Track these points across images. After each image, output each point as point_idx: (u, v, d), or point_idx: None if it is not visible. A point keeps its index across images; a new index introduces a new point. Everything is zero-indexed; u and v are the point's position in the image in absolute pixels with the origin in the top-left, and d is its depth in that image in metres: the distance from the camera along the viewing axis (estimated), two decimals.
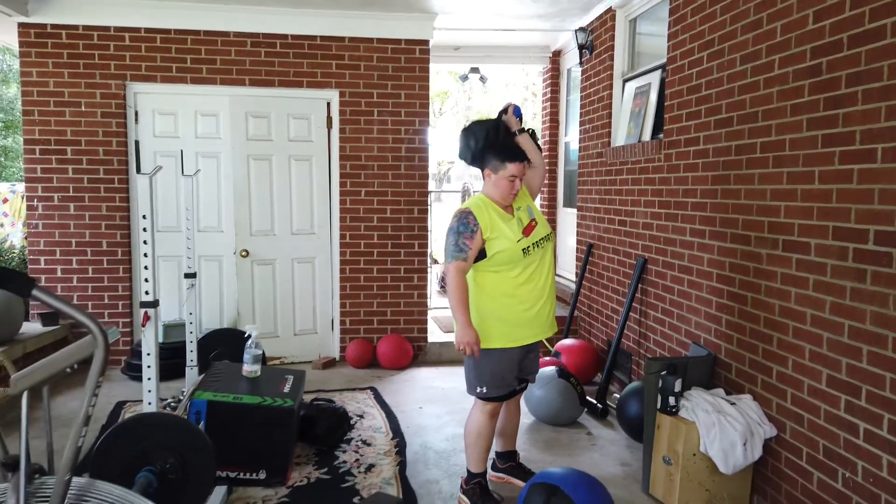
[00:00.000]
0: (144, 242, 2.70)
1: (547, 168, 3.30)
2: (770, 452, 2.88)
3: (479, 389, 2.90)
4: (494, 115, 3.18)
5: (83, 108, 4.87)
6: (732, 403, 2.94)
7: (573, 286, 5.43)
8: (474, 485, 2.96)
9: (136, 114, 4.99)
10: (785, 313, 2.79)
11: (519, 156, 2.88)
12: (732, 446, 2.80)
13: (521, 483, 3.11)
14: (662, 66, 4.09)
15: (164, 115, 5.03)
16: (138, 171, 2.87)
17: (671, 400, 2.98)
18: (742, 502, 2.96)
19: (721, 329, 3.28)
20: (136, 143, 2.99)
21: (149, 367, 2.71)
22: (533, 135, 3.16)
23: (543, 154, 6.63)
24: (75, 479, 1.47)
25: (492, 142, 2.98)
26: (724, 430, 2.81)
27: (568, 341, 4.81)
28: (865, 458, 2.35)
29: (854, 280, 2.40)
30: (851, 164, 2.43)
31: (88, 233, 4.97)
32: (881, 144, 2.29)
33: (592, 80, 5.20)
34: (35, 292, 1.31)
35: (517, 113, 3.12)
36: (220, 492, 2.88)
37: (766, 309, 2.92)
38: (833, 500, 2.51)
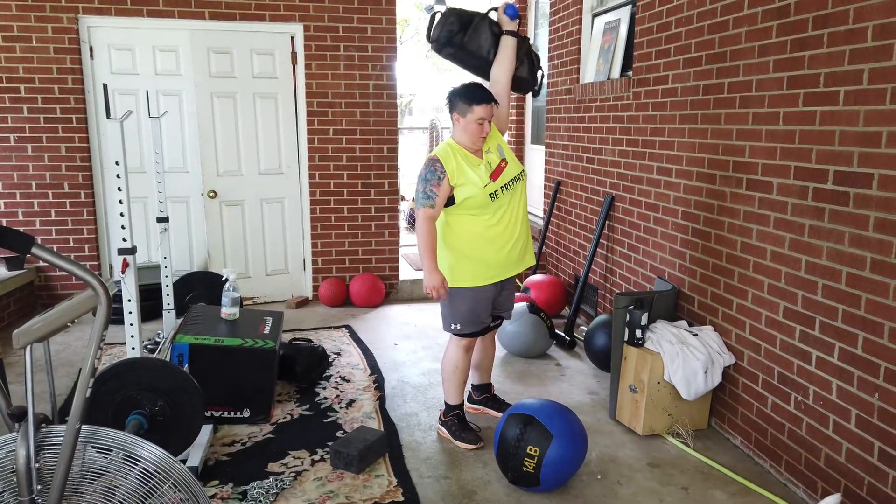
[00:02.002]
0: (119, 189, 2.67)
1: (513, 100, 3.24)
2: (728, 379, 3.08)
3: (453, 326, 3.01)
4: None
5: (34, 44, 4.65)
6: (695, 334, 3.12)
7: (541, 223, 5.54)
8: (452, 416, 3.11)
9: (91, 49, 4.80)
10: (746, 249, 2.93)
11: (486, 97, 2.86)
12: (694, 374, 2.98)
13: (496, 414, 3.28)
14: (632, 2, 4.08)
15: (121, 50, 4.84)
16: (108, 115, 2.80)
17: (638, 333, 3.14)
18: (701, 425, 3.18)
19: (685, 264, 3.43)
20: (105, 86, 2.89)
21: (130, 313, 2.73)
22: (529, 53, 3.08)
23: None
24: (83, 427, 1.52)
25: (461, 37, 2.98)
26: (686, 359, 2.99)
27: (537, 277, 4.95)
28: (817, 384, 2.54)
29: (813, 218, 2.53)
30: (815, 105, 2.52)
31: (49, 174, 4.84)
32: (844, 87, 2.38)
33: (562, 13, 5.15)
34: (34, 250, 1.32)
35: (511, 12, 3.00)
36: (206, 430, 2.96)
37: (728, 245, 3.06)
38: (786, 421, 2.72)
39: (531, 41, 3.15)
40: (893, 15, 2.17)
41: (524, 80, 3.22)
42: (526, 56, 3.15)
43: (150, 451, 1.61)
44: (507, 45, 3.04)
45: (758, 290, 2.86)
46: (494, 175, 2.90)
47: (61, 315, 1.46)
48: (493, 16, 3.08)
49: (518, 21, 3.07)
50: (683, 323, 3.31)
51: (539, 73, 3.25)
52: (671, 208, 3.54)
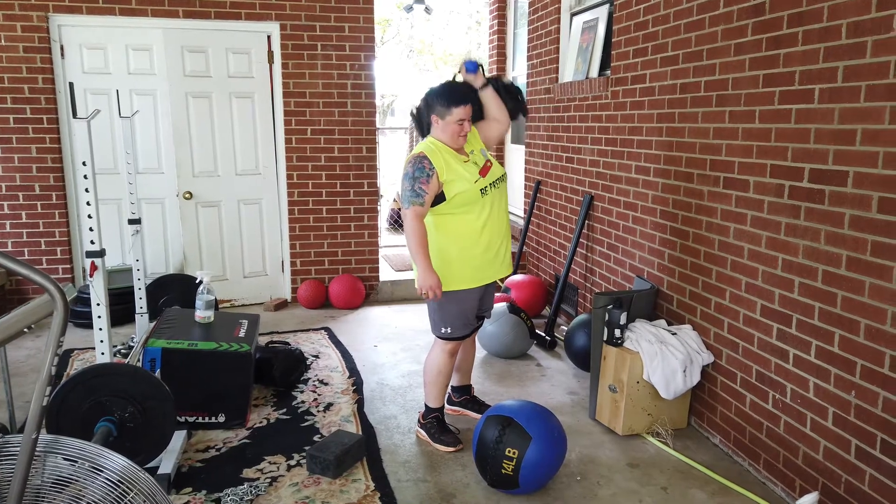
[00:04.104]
0: (86, 191, 2.61)
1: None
2: (707, 378, 3.08)
3: (444, 330, 2.97)
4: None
5: (3, 43, 4.55)
6: (674, 333, 3.11)
7: (522, 222, 5.52)
8: (432, 419, 3.07)
9: (62, 48, 4.70)
10: (724, 248, 2.93)
11: (464, 98, 2.84)
12: (673, 374, 2.97)
13: (476, 415, 3.25)
14: (610, 1, 4.08)
15: (93, 49, 4.75)
16: (74, 114, 2.73)
17: (617, 332, 3.12)
18: (681, 424, 3.17)
19: (664, 263, 3.42)
20: (71, 84, 2.82)
21: (99, 317, 2.66)
22: (505, 87, 3.05)
23: None
24: (41, 437, 1.47)
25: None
26: (665, 358, 2.98)
27: (517, 277, 4.93)
28: (794, 381, 2.54)
29: (789, 216, 2.53)
30: (790, 104, 2.52)
31: (19, 176, 4.73)
32: (818, 85, 2.38)
33: (540, 13, 5.14)
34: None
35: (471, 68, 2.95)
36: (180, 436, 2.89)
37: (706, 244, 3.06)
38: (764, 419, 2.72)
39: (500, 77, 3.14)
40: (866, 13, 2.17)
41: (512, 109, 3.14)
42: (505, 91, 3.08)
43: (113, 461, 1.56)
44: (488, 97, 2.99)
45: (736, 289, 2.86)
46: (483, 172, 2.89)
47: (17, 321, 1.41)
48: (459, 78, 3.02)
49: (481, 68, 2.99)
50: (662, 322, 3.30)
51: (520, 96, 3.17)
52: (649, 207, 3.54)
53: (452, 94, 2.84)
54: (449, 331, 2.96)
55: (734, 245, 2.86)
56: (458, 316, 2.95)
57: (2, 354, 1.50)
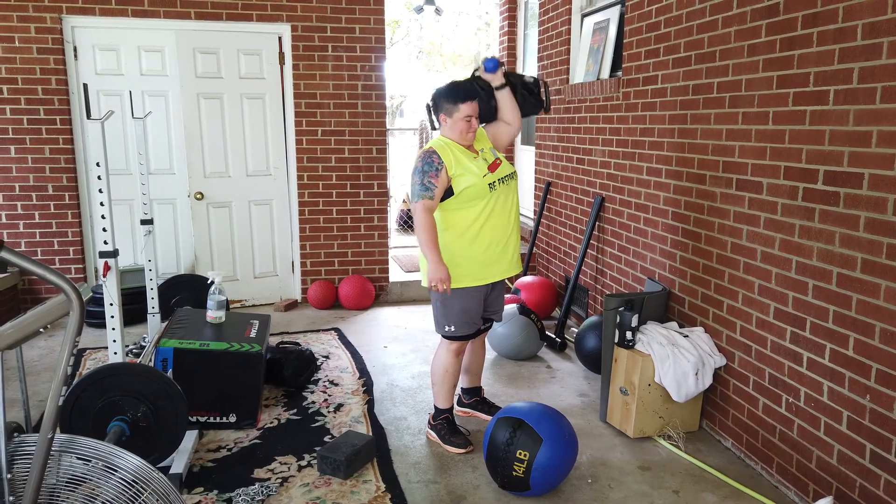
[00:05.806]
0: (100, 191, 2.62)
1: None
2: (719, 381, 3.06)
3: (447, 328, 2.97)
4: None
5: (17, 44, 4.59)
6: (685, 336, 3.09)
7: (532, 224, 5.51)
8: (442, 420, 3.07)
9: (75, 49, 4.73)
10: (736, 250, 2.91)
11: (470, 95, 2.87)
12: (685, 376, 2.96)
13: (486, 417, 3.24)
14: (622, 2, 4.06)
15: (106, 50, 4.78)
16: (88, 116, 2.75)
17: (628, 334, 3.11)
18: (692, 427, 3.15)
19: (675, 265, 3.40)
20: (85, 86, 2.85)
21: (112, 317, 2.68)
22: (524, 85, 3.06)
23: None
24: (55, 436, 1.48)
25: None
26: (677, 361, 2.97)
27: (527, 278, 4.92)
28: (808, 385, 2.52)
29: (803, 218, 2.51)
30: (804, 105, 2.50)
31: (32, 177, 4.77)
32: (833, 86, 2.36)
33: (551, 14, 5.13)
34: (3, 254, 1.27)
35: (490, 67, 2.97)
36: (191, 436, 2.91)
37: (718, 246, 3.04)
38: (777, 423, 2.70)
39: (523, 75, 3.14)
40: (882, 13, 2.15)
41: (533, 106, 3.18)
42: (524, 89, 3.11)
43: (127, 461, 1.57)
44: (503, 98, 3.02)
45: (748, 291, 2.84)
46: (492, 168, 2.91)
47: (34, 321, 1.42)
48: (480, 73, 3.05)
49: (502, 67, 3.02)
50: (674, 324, 3.28)
51: (542, 91, 3.17)
52: (661, 209, 3.52)
53: (458, 92, 2.87)
54: (452, 329, 2.96)
55: (747, 247, 2.84)
56: (461, 314, 2.94)
57: (19, 354, 1.51)
